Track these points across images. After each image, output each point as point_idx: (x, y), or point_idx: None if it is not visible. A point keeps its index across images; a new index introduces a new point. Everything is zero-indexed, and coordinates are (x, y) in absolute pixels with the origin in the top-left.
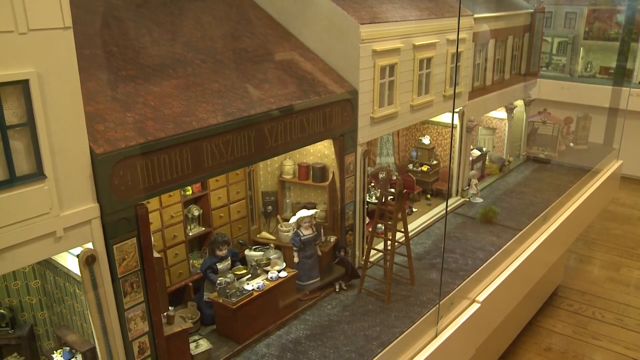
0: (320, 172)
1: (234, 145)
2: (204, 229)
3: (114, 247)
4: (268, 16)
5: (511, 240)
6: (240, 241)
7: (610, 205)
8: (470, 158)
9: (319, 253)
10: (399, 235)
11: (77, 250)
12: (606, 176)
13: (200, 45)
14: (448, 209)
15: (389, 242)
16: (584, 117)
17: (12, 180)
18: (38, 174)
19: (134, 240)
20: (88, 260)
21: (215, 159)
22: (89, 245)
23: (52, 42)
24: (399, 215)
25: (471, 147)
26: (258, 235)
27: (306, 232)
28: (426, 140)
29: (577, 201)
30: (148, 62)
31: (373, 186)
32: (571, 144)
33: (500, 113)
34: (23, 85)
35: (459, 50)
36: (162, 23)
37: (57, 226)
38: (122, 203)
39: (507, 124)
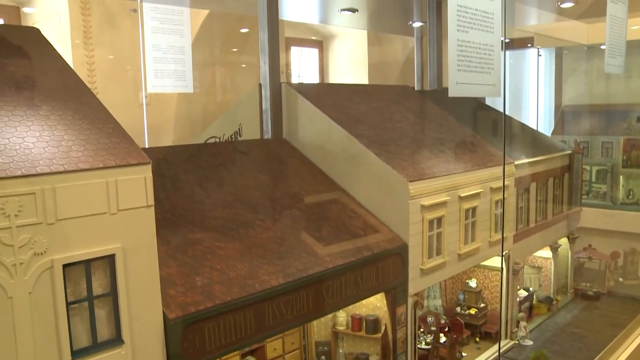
0: (372, 324)
1: (294, 305)
2: None
3: None
4: (321, 172)
5: None
6: None
7: None
8: (518, 299)
9: None
10: None
11: None
12: None
13: (259, 206)
14: (495, 354)
15: None
16: (631, 252)
17: (95, 347)
18: (117, 340)
19: None
20: None
21: (276, 319)
22: None
23: (136, 219)
24: None
25: (518, 287)
26: None
27: None
28: (473, 283)
29: (637, 339)
30: (213, 224)
31: (422, 331)
32: (620, 279)
33: (545, 252)
34: (109, 259)
35: (501, 197)
36: (224, 184)
37: None
38: None
39: (552, 262)
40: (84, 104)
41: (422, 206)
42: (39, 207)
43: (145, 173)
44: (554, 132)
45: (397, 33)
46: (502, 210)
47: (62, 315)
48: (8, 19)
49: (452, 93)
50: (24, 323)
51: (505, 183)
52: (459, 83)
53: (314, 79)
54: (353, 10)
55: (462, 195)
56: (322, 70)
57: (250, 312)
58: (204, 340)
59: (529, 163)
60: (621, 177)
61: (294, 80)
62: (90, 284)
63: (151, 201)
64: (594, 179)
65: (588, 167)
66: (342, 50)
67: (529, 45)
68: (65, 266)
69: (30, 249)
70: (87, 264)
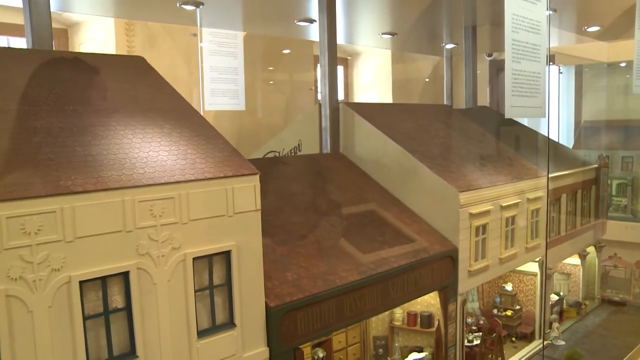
0: (427, 320)
1: (366, 298)
2: None
3: None
4: (377, 184)
5: None
6: None
7: None
8: (550, 302)
9: None
10: None
11: None
12: None
13: (328, 212)
14: (532, 352)
15: None
16: None
17: (213, 329)
18: (230, 324)
19: None
20: None
21: (353, 310)
22: None
23: (247, 221)
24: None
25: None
26: None
27: None
28: (509, 287)
29: None
30: (292, 229)
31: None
32: None
33: (574, 259)
34: (226, 255)
35: (536, 207)
36: (297, 194)
37: None
38: (286, 347)
39: (580, 269)
40: (195, 122)
41: (470, 214)
42: (177, 210)
43: (254, 182)
44: (574, 147)
45: (426, 53)
46: (538, 219)
47: (190, 301)
48: (57, 41)
49: (508, 115)
50: (162, 306)
51: (539, 194)
52: (513, 106)
53: (339, 95)
54: (393, 34)
55: (503, 205)
56: (347, 86)
57: (332, 303)
58: (296, 326)
59: (560, 176)
60: None
61: (319, 96)
62: (211, 275)
63: (259, 206)
64: (614, 193)
65: (608, 181)
66: (367, 67)
67: (551, 63)
68: (194, 259)
69: (169, 244)
70: (210, 258)
